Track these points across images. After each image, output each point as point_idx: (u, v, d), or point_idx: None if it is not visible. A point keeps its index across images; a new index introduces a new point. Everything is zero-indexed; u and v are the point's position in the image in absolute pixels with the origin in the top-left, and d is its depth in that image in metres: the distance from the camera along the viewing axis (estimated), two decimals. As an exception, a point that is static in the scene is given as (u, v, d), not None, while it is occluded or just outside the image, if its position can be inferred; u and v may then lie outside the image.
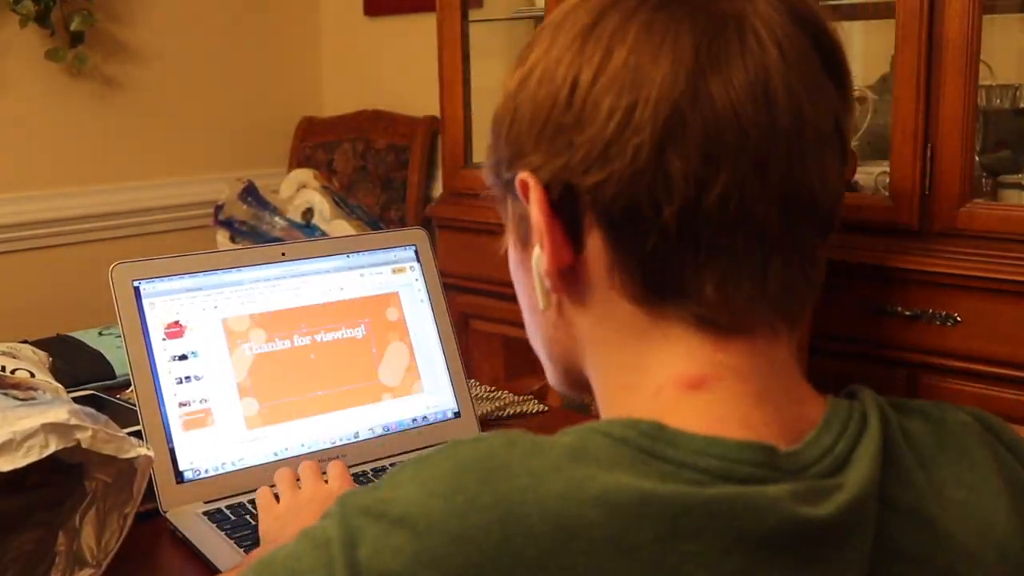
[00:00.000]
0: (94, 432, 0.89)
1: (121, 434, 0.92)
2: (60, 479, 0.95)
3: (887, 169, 1.77)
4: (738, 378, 0.56)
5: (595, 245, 0.57)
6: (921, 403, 0.61)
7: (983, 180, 1.79)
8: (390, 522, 0.49)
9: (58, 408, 0.89)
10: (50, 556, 0.93)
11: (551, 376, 0.68)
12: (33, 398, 0.96)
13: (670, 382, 0.56)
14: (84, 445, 0.88)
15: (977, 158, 1.75)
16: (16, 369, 1.05)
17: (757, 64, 0.54)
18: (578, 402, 1.68)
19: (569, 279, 0.59)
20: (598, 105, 0.55)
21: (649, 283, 0.56)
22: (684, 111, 0.53)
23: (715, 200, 0.54)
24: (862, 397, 0.58)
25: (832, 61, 0.58)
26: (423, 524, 0.48)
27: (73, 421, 0.88)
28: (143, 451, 0.93)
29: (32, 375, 1.04)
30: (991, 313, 1.64)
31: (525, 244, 0.63)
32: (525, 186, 0.58)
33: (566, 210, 0.57)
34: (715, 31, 0.55)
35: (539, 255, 0.59)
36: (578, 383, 0.64)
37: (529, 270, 0.62)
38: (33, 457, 0.86)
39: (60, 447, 0.87)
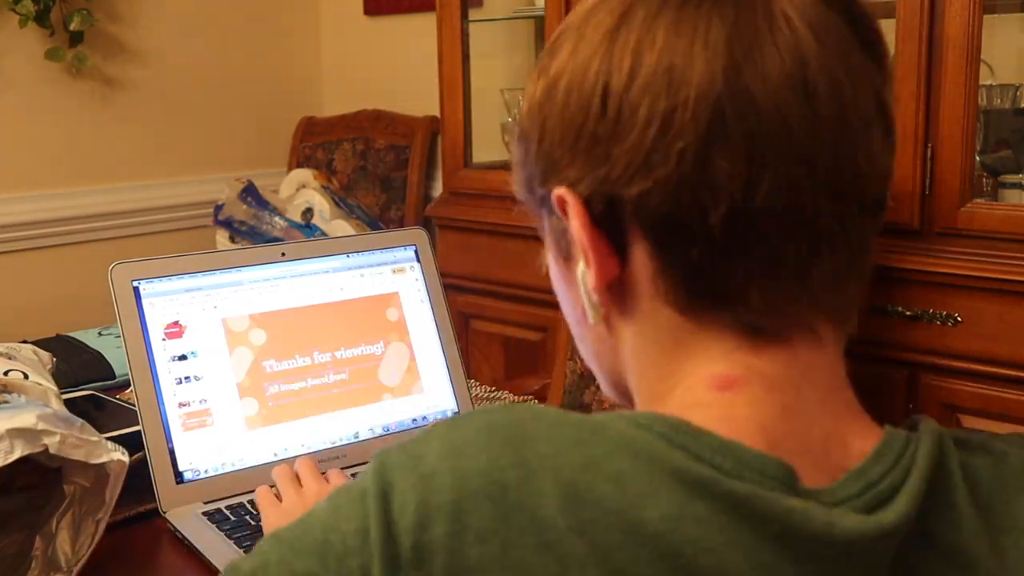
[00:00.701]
0: (63, 437, 0.88)
1: (95, 439, 0.91)
2: (46, 482, 0.95)
3: (887, 169, 1.76)
4: (767, 385, 0.54)
5: (639, 256, 0.56)
6: (984, 437, 0.58)
7: (983, 180, 1.79)
8: (419, 476, 0.51)
9: (27, 413, 0.88)
10: (28, 560, 0.93)
11: (603, 386, 0.66)
12: (6, 401, 0.95)
13: (700, 381, 0.55)
14: (52, 450, 0.88)
15: (977, 158, 1.74)
16: (9, 371, 1.04)
17: (791, 51, 0.52)
18: (579, 404, 1.68)
19: (616, 291, 0.58)
20: (635, 112, 0.53)
21: (693, 291, 0.55)
22: (725, 110, 0.51)
23: (763, 200, 0.52)
24: (921, 429, 0.55)
25: (866, 34, 0.55)
26: (448, 480, 0.50)
27: (40, 426, 0.87)
28: (116, 456, 0.92)
29: (26, 376, 1.03)
30: (991, 313, 1.64)
31: (567, 258, 0.61)
32: (563, 202, 0.57)
33: (608, 222, 0.56)
34: (744, 21, 0.52)
35: (584, 271, 0.58)
36: (626, 394, 0.63)
37: (573, 284, 0.61)
38: None
39: (26, 452, 0.86)
